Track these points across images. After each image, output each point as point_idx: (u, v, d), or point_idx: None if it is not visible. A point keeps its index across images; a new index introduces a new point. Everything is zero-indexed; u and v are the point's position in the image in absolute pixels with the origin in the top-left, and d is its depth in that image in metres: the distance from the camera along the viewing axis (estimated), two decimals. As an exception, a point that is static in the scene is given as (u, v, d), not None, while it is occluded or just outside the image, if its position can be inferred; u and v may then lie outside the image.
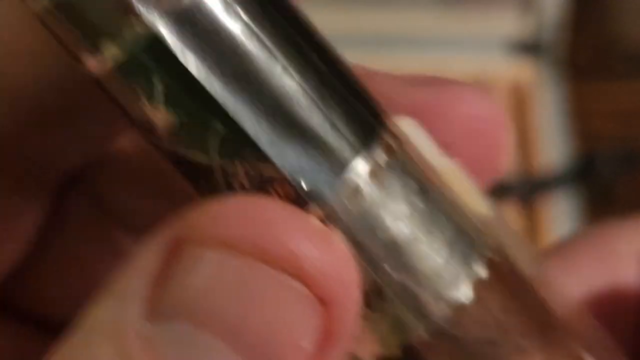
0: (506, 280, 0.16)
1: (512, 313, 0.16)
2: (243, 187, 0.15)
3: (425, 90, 0.18)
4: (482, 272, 0.16)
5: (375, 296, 0.15)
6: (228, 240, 0.14)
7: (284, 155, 0.15)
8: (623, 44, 0.73)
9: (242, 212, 0.14)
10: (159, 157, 0.15)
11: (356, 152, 0.15)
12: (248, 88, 0.14)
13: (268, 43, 0.15)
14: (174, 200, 0.15)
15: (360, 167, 0.15)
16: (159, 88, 0.14)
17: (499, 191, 0.65)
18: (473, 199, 0.17)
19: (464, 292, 0.16)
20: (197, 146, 0.14)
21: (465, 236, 0.16)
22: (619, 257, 0.22)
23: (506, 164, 0.18)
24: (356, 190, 0.15)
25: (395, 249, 0.15)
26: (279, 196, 0.15)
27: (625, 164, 0.67)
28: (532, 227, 0.64)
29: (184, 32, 0.14)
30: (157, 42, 0.14)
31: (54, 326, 0.20)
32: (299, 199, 0.15)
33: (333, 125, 0.15)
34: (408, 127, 0.17)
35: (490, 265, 0.16)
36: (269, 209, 0.14)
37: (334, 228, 0.15)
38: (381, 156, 0.15)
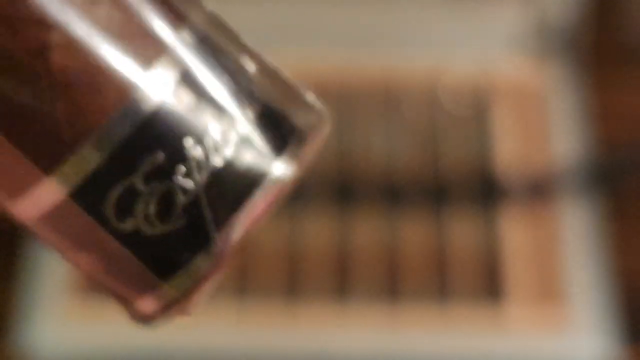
0: None
1: None
2: None
3: None
4: None
5: None
6: None
7: None
8: (635, 44, 0.73)
9: None
10: None
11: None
12: None
13: None
14: None
15: None
16: None
17: (501, 191, 0.64)
18: None
19: None
20: None
21: None
22: None
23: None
24: None
25: None
26: None
27: (637, 164, 0.66)
28: (541, 229, 0.64)
29: None
30: None
31: None
32: None
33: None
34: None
35: None
36: None
37: None
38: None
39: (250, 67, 0.19)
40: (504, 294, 0.61)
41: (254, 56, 0.20)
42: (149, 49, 0.18)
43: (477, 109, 0.68)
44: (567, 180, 0.64)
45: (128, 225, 0.18)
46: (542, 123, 0.68)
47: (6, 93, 0.17)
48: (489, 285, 0.62)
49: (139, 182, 0.17)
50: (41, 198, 0.18)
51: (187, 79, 0.18)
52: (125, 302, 0.19)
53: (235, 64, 0.19)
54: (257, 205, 0.18)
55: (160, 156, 0.17)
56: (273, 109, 0.19)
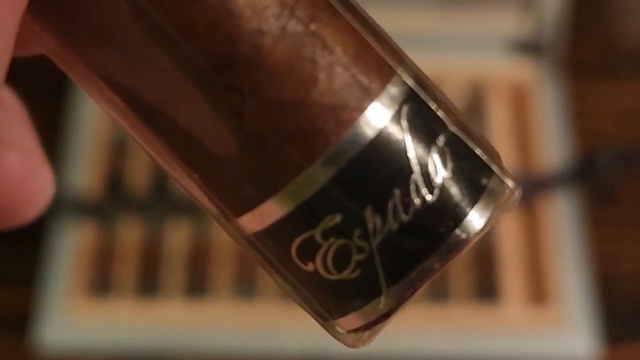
0: None
1: None
2: None
3: None
4: None
5: None
6: None
7: None
8: (623, 43, 0.73)
9: None
10: None
11: None
12: None
13: None
14: None
15: None
16: None
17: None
18: None
19: None
20: None
21: None
22: None
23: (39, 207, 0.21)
24: None
25: None
26: None
27: (625, 164, 0.67)
28: (532, 227, 0.64)
29: None
30: None
31: None
32: None
33: None
34: None
35: None
36: None
37: None
38: None
39: (451, 126, 0.19)
40: (498, 294, 0.62)
41: (456, 114, 0.19)
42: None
43: (474, 109, 0.69)
44: (558, 181, 0.65)
45: (310, 267, 0.19)
46: (535, 123, 0.68)
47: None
48: (484, 285, 0.62)
49: (318, 236, 0.18)
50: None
51: (389, 134, 0.18)
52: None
53: (438, 122, 0.19)
54: (430, 268, 0.19)
55: (337, 218, 0.18)
56: (461, 175, 0.19)
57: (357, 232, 0.18)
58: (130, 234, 0.64)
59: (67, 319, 0.60)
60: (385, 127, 0.18)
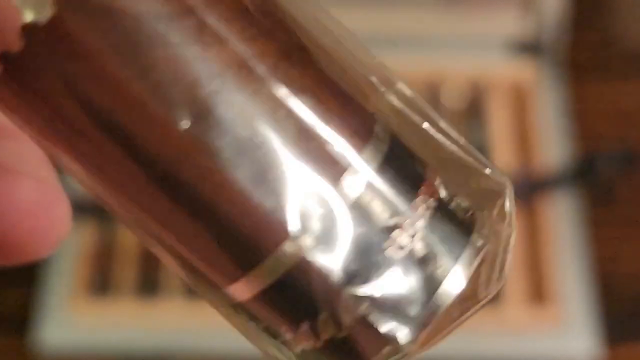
0: None
1: None
2: None
3: None
4: None
5: None
6: None
7: None
8: (623, 43, 0.73)
9: None
10: None
11: None
12: None
13: None
14: None
15: None
16: None
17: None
18: None
19: None
20: None
21: None
22: None
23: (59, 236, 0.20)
24: None
25: None
26: None
27: (625, 164, 0.67)
28: (532, 227, 0.64)
29: None
30: None
31: None
32: None
33: None
34: None
35: None
36: None
37: None
38: None
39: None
40: (498, 294, 0.62)
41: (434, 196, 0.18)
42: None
43: (474, 109, 0.69)
44: (558, 181, 0.65)
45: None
46: (535, 124, 0.68)
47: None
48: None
49: (257, 327, 0.18)
50: None
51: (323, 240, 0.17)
52: None
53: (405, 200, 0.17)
54: None
55: (261, 326, 0.18)
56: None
57: (291, 339, 0.18)
58: (130, 234, 0.64)
59: (68, 319, 0.60)
60: (295, 265, 0.17)
